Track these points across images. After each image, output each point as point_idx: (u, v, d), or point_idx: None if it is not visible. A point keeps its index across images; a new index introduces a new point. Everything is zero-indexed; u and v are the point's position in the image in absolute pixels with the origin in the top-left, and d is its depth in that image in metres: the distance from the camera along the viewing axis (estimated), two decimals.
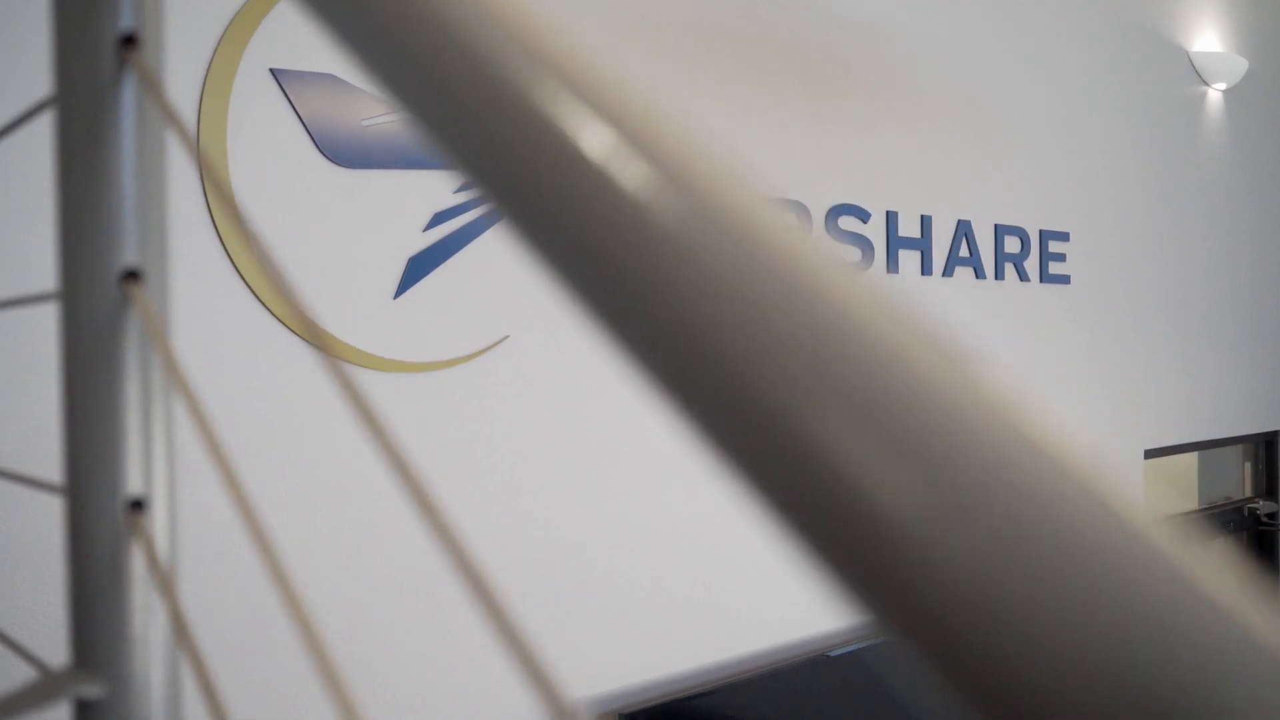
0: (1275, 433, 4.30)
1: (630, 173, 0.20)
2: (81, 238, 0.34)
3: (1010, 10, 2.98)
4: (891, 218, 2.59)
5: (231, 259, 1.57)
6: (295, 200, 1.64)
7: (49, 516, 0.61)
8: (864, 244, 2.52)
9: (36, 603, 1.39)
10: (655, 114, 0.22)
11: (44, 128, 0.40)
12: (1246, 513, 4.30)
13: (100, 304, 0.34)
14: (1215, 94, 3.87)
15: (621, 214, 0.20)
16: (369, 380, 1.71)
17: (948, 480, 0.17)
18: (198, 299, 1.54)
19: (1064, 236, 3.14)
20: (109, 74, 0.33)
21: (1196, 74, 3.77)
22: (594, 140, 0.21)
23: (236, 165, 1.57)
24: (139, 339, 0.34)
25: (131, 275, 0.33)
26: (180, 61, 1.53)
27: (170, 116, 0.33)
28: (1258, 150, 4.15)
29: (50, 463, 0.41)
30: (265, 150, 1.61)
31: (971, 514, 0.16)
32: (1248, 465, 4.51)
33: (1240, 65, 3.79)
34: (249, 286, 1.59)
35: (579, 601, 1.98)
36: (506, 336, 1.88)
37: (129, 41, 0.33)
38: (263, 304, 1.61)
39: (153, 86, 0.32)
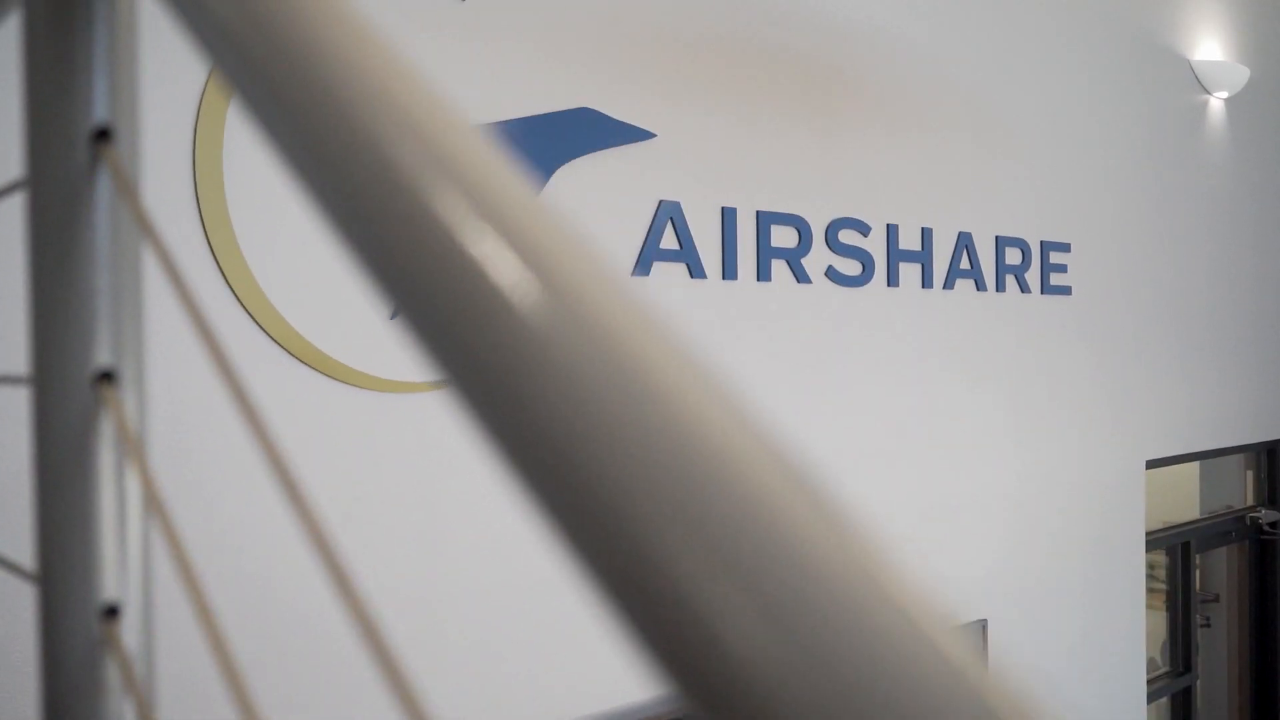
0: (1277, 441, 4.29)
1: (509, 279, 0.21)
2: (53, 333, 0.33)
3: (1011, 20, 2.96)
4: (892, 231, 2.58)
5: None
6: (292, 222, 1.62)
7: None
8: (865, 257, 2.50)
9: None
10: (535, 212, 0.23)
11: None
12: (1248, 522, 4.28)
13: (73, 403, 0.33)
14: (1217, 102, 3.86)
15: (495, 320, 0.21)
16: (370, 402, 1.70)
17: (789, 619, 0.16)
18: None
19: (1065, 247, 3.13)
20: (82, 168, 0.32)
21: (1198, 82, 3.75)
22: (477, 244, 0.22)
23: (232, 187, 1.56)
24: (113, 442, 0.33)
25: (105, 376, 0.32)
26: (173, 90, 1.52)
27: (142, 220, 0.32)
28: (1259, 158, 4.14)
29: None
30: (262, 173, 1.59)
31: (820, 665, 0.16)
32: (1249, 474, 4.50)
33: (1242, 74, 3.78)
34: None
35: (568, 632, 1.97)
36: None
37: (103, 135, 0.32)
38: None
39: (125, 185, 0.31)
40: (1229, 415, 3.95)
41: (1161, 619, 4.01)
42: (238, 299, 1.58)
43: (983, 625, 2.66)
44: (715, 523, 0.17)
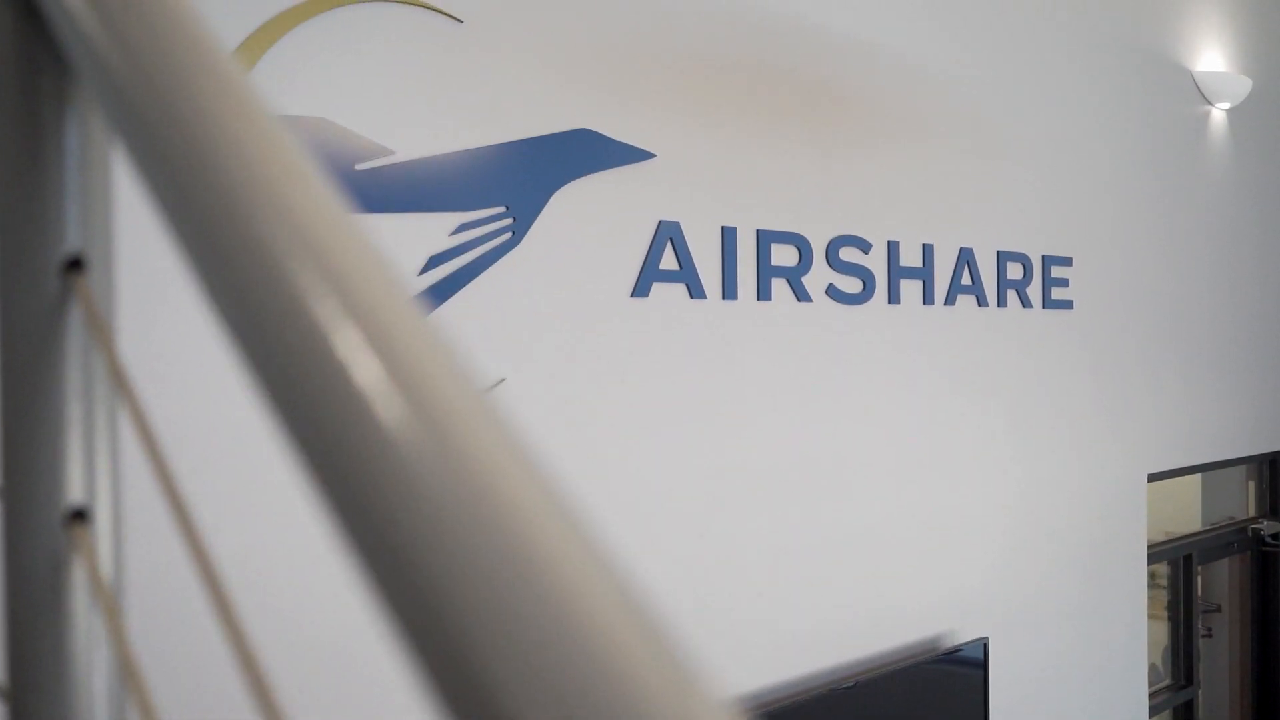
0: (1279, 452, 4.28)
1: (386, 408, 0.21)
2: (22, 466, 0.32)
3: (1012, 34, 2.95)
4: (893, 248, 2.56)
5: None
6: None
7: None
8: (865, 275, 2.49)
9: None
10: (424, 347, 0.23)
11: None
12: (1250, 533, 4.27)
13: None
14: (1219, 113, 3.84)
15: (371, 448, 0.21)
16: None
17: None
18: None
19: (1067, 261, 3.11)
20: (51, 300, 0.30)
21: (1200, 94, 3.74)
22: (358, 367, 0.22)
23: None
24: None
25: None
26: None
27: (109, 353, 0.30)
28: (1261, 168, 4.13)
29: None
30: None
31: None
32: (1251, 484, 4.48)
33: (1244, 85, 3.76)
34: None
35: None
36: (503, 379, 1.86)
37: (75, 265, 0.31)
38: None
39: (95, 316, 0.30)
40: (1230, 427, 3.94)
41: (1163, 627, 4.00)
42: None
43: (984, 643, 2.64)
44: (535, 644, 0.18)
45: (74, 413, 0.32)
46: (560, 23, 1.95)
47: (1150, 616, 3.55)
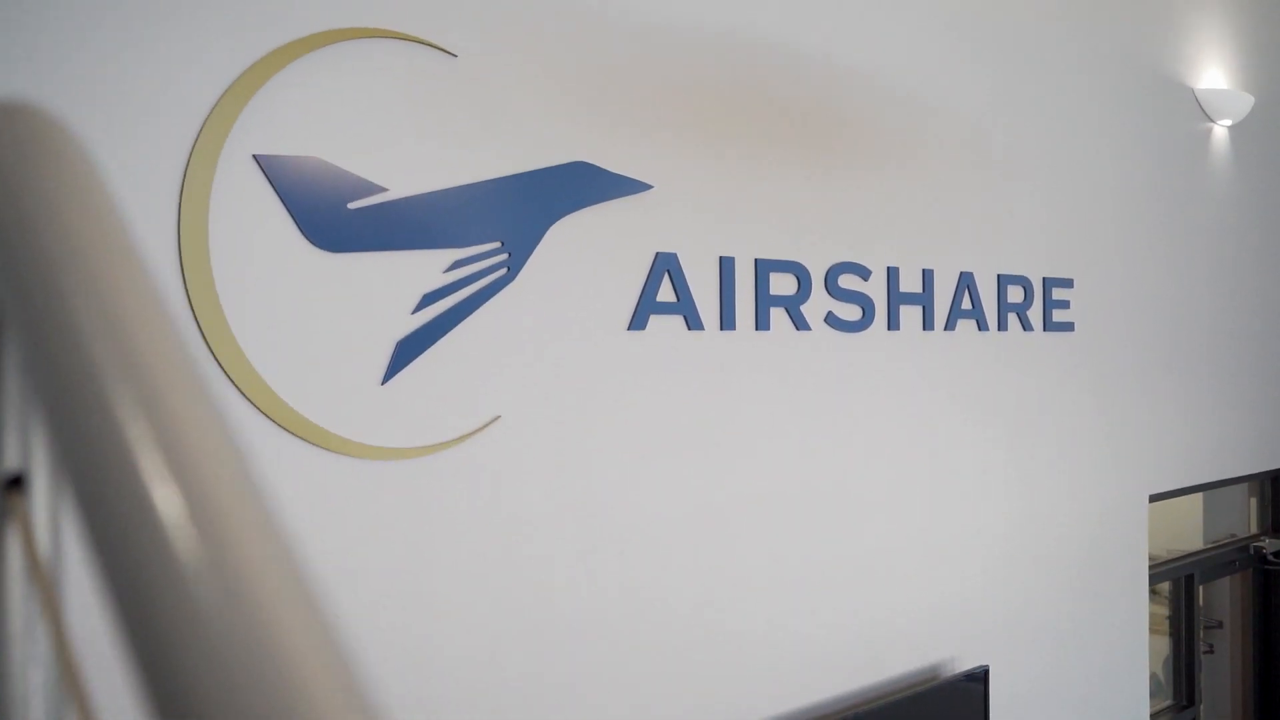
0: None
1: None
2: None
3: (1012, 55, 2.93)
4: (892, 274, 2.54)
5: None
6: (279, 288, 1.59)
7: None
8: (865, 302, 2.47)
9: None
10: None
11: None
12: (1252, 551, 4.25)
13: None
14: (1221, 130, 3.82)
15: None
16: (357, 470, 1.67)
17: None
18: None
19: (1068, 283, 3.09)
20: None
21: (1202, 111, 3.72)
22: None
23: (218, 256, 1.53)
24: None
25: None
26: (160, 151, 1.48)
27: (40, 578, 0.28)
28: (1263, 183, 4.11)
29: None
30: (248, 238, 1.56)
31: None
32: (1253, 500, 4.46)
33: (1246, 101, 3.74)
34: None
35: (574, 692, 1.93)
36: (498, 416, 1.83)
37: (15, 483, 0.29)
38: None
39: (29, 541, 0.28)
40: (1232, 445, 3.91)
41: (1164, 640, 3.98)
42: (219, 363, 1.54)
43: (984, 670, 2.62)
44: None
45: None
46: (555, 54, 1.93)
47: (1151, 631, 3.53)
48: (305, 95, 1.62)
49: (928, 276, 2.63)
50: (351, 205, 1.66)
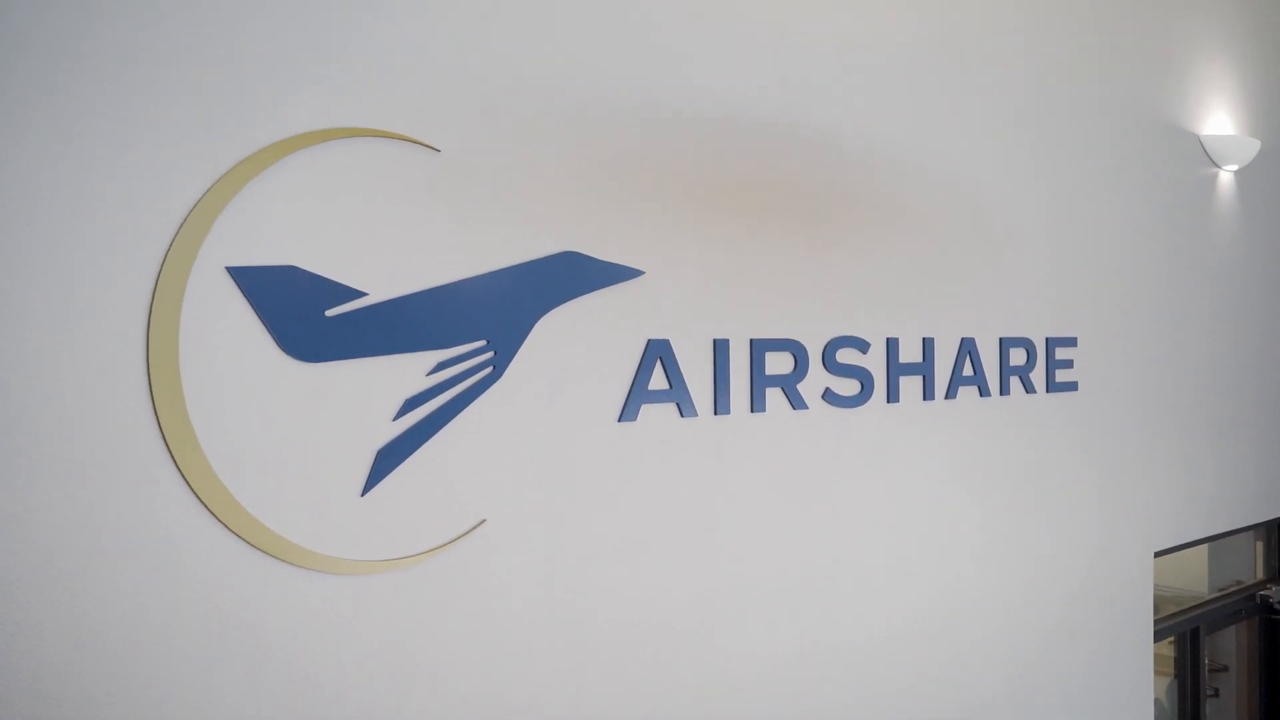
0: None
1: None
2: None
3: (1010, 114, 2.87)
4: (892, 345, 2.48)
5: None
6: (253, 403, 1.53)
7: None
8: (864, 375, 2.41)
9: None
10: None
11: None
12: (1258, 600, 4.18)
13: None
14: (1227, 175, 3.76)
15: None
16: (335, 587, 1.61)
17: None
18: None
19: (1071, 342, 3.03)
20: None
21: (1208, 157, 3.66)
22: None
23: (189, 372, 1.47)
24: None
25: None
26: (128, 267, 1.43)
27: None
28: (1268, 226, 4.04)
29: None
30: (221, 354, 1.50)
31: None
32: (1259, 545, 4.40)
33: (1252, 146, 3.68)
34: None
35: None
36: (484, 520, 1.77)
37: None
38: None
39: None
40: (1236, 496, 3.85)
41: (1169, 673, 3.92)
42: (187, 482, 1.48)
43: None
44: None
45: None
46: (541, 144, 1.87)
47: (1156, 673, 3.47)
48: (282, 201, 1.56)
49: (928, 345, 2.57)
50: (330, 313, 1.60)
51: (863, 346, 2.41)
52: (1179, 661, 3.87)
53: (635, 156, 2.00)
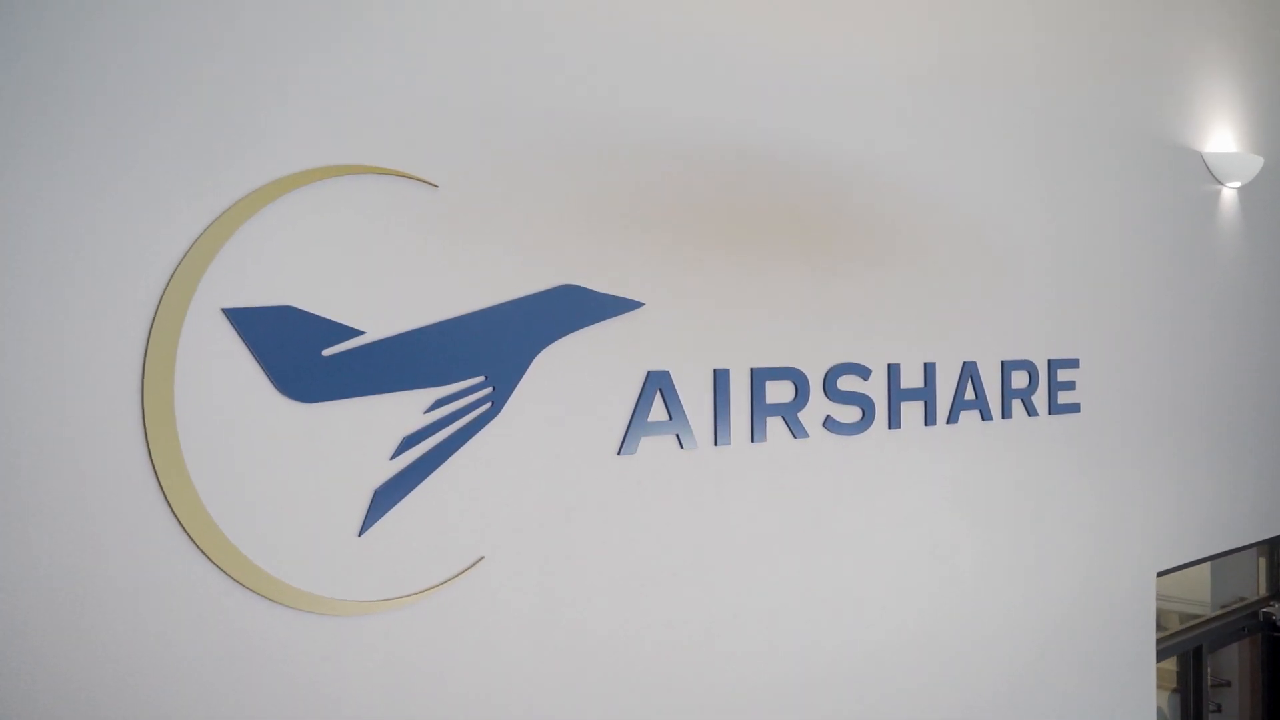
0: None
1: None
2: None
3: (1010, 134, 2.86)
4: (893, 371, 2.47)
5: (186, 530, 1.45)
6: (250, 444, 1.52)
7: None
8: (865, 403, 2.39)
9: None
10: None
11: None
12: (1260, 617, 4.16)
13: None
14: (1230, 192, 3.74)
15: None
16: (329, 629, 1.59)
17: None
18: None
19: (1074, 363, 3.02)
20: None
21: (1210, 174, 3.64)
22: None
23: (184, 414, 1.46)
24: None
25: None
26: (123, 309, 1.41)
27: None
28: (1271, 242, 4.03)
29: None
30: (217, 396, 1.49)
31: None
32: (1262, 561, 4.38)
33: (1255, 164, 3.66)
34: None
35: None
36: (482, 558, 1.76)
37: None
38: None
39: None
40: (1239, 514, 3.83)
41: (1171, 671, 3.90)
42: (181, 525, 1.47)
43: None
44: None
45: None
46: (539, 177, 1.86)
47: (1159, 686, 3.45)
48: (279, 240, 1.55)
49: (929, 370, 2.56)
50: (327, 352, 1.59)
51: (864, 373, 2.40)
52: (1181, 677, 3.85)
53: (634, 187, 1.99)
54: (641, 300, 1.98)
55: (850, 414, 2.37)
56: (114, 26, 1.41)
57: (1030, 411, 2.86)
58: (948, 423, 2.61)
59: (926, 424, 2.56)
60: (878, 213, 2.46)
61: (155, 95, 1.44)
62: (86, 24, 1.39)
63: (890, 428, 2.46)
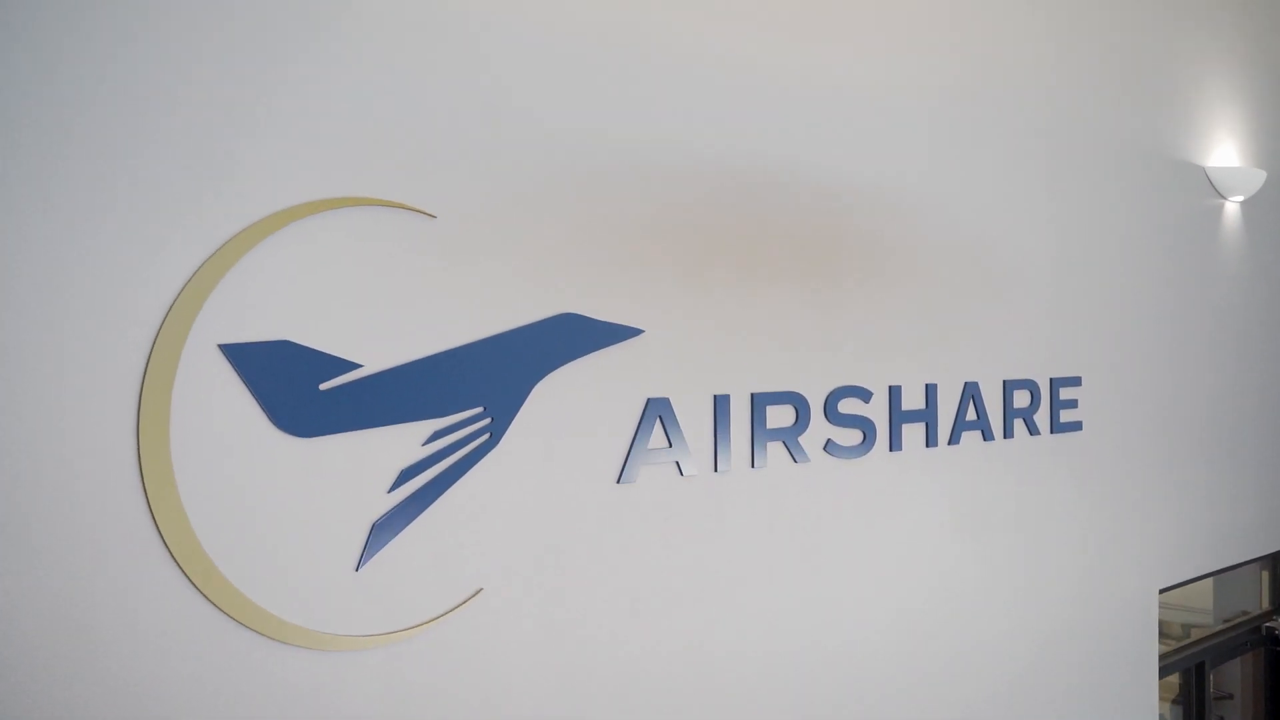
0: None
1: None
2: None
3: (1012, 153, 2.84)
4: (895, 393, 2.45)
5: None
6: (246, 480, 1.51)
7: None
8: (866, 425, 2.38)
9: None
10: None
11: None
12: (1263, 631, 4.15)
13: None
14: (1233, 206, 3.73)
15: None
16: (327, 664, 1.58)
17: None
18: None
19: (1076, 381, 3.01)
20: None
21: (1213, 188, 3.63)
22: None
23: (180, 452, 1.45)
24: None
25: None
26: (119, 347, 1.41)
27: None
28: (1273, 254, 4.01)
29: None
30: (213, 433, 1.48)
31: None
32: (1265, 574, 4.37)
33: (1258, 178, 3.65)
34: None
35: None
36: (480, 589, 1.75)
37: None
38: None
39: None
40: (1241, 528, 3.82)
41: (1174, 684, 3.88)
42: (177, 562, 1.46)
43: None
44: None
45: None
46: (538, 205, 1.85)
47: (1161, 699, 3.44)
48: (276, 274, 1.54)
49: (931, 391, 2.55)
50: (324, 386, 1.58)
51: (865, 396, 2.39)
52: (1184, 691, 3.84)
53: (633, 214, 1.98)
54: (641, 327, 1.97)
55: (851, 437, 2.36)
56: (112, 55, 1.40)
57: (1032, 431, 2.85)
58: (949, 444, 2.60)
59: (928, 445, 2.54)
60: (878, 234, 2.45)
61: (152, 128, 1.43)
62: (84, 51, 1.38)
63: (891, 450, 2.45)
